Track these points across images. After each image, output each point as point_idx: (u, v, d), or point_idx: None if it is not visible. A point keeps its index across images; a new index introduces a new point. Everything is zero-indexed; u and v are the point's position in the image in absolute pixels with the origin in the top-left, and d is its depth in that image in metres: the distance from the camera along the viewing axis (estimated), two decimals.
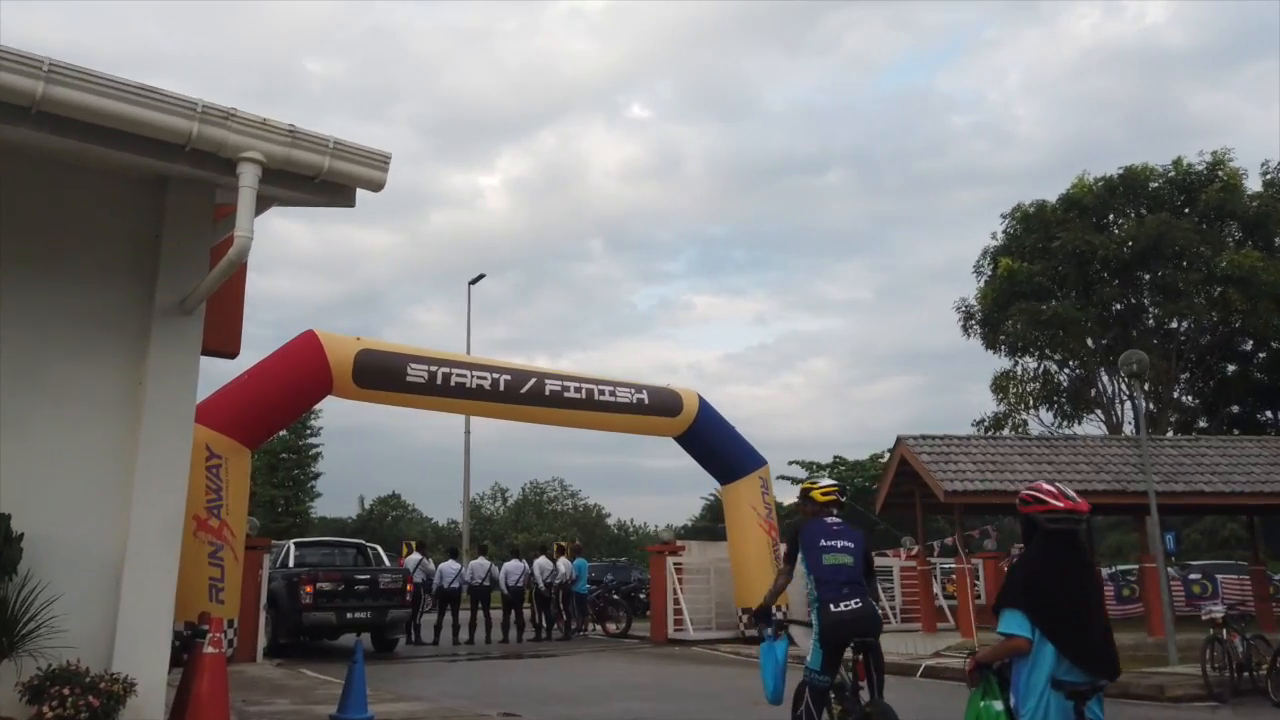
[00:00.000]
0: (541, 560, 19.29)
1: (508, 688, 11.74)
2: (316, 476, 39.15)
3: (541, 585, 18.85)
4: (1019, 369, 24.98)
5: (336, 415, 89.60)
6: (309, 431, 38.65)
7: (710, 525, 71.43)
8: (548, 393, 15.63)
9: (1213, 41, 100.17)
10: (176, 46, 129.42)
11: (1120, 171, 22.58)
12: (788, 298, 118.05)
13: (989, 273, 24.84)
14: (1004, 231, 24.63)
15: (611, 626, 19.83)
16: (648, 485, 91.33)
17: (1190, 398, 25.31)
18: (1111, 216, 22.90)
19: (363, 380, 13.80)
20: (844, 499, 5.64)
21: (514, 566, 18.93)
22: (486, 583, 18.80)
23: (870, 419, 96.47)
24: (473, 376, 14.88)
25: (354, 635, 16.21)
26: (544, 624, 18.96)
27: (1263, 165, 23.48)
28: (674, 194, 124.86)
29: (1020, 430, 24.13)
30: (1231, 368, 24.94)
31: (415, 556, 18.59)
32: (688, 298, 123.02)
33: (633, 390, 16.77)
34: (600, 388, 16.34)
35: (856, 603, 5.11)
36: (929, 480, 15.29)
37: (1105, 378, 24.02)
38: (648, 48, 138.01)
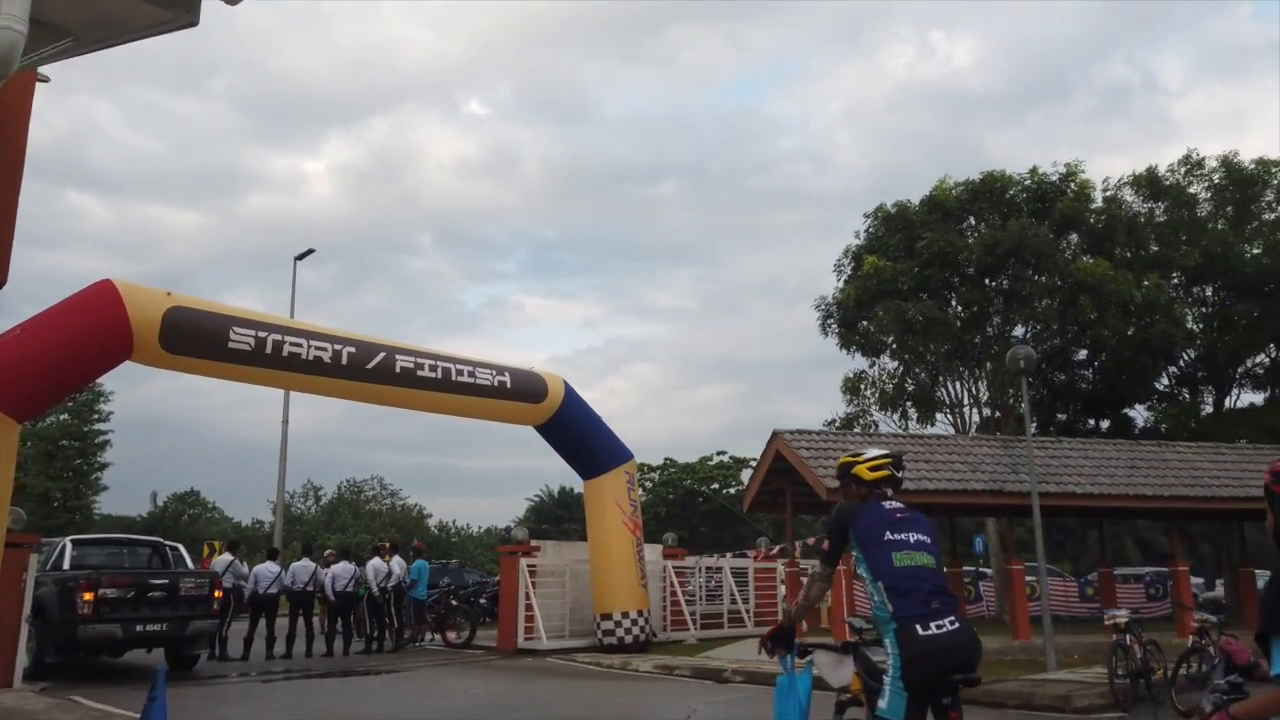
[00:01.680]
0: (375, 562, 17.14)
1: (346, 715, 9.76)
2: (103, 468, 34.49)
3: (375, 590, 16.71)
4: (876, 369, 25.00)
5: (128, 405, 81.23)
6: (95, 415, 34.00)
7: (536, 526, 69.70)
8: (398, 369, 13.63)
9: (1008, 88, 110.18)
10: None
11: (981, 176, 22.98)
12: (616, 303, 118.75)
13: (849, 271, 24.73)
14: (866, 231, 24.61)
15: (453, 635, 17.88)
16: (468, 486, 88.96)
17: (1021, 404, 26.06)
18: (972, 220, 23.25)
19: (172, 343, 11.36)
20: (901, 473, 4.14)
21: (343, 569, 16.69)
22: (310, 587, 16.46)
23: (691, 425, 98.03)
24: (310, 347, 12.69)
25: (146, 653, 13.64)
26: (376, 634, 16.80)
27: (1104, 181, 24.59)
28: (508, 193, 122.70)
29: (871, 431, 24.01)
30: (1061, 376, 25.86)
31: (225, 557, 16.01)
32: (518, 298, 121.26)
33: (494, 372, 15.02)
34: (459, 367, 14.49)
35: (953, 622, 3.58)
36: (809, 477, 14.41)
37: (951, 383, 24.32)
38: (487, 44, 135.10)
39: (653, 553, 18.20)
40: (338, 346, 13.00)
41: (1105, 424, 26.73)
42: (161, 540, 14.85)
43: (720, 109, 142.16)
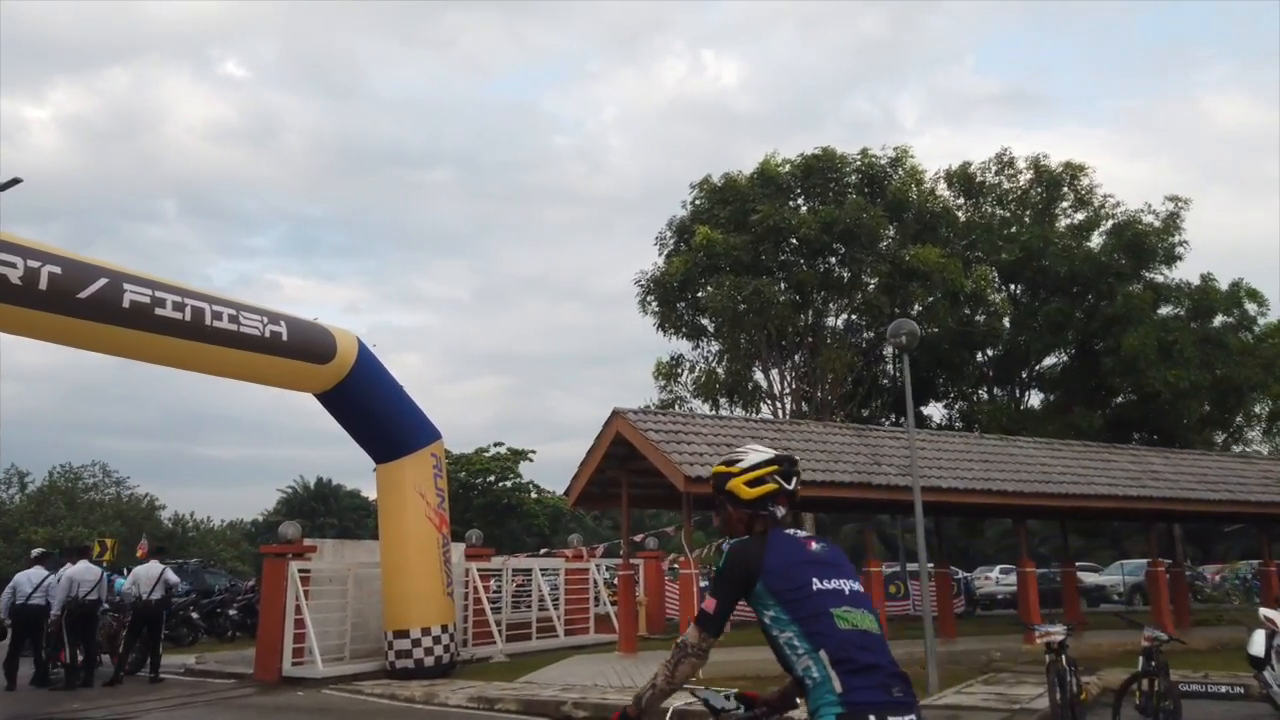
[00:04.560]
0: (82, 566, 12.90)
1: None
2: None
3: (59, 604, 12.40)
4: (700, 352, 23.16)
5: None
6: None
7: (287, 519, 63.26)
8: (127, 304, 9.86)
9: (770, 112, 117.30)
10: None
11: (816, 151, 21.77)
12: (383, 289, 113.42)
13: (672, 245, 22.77)
14: (692, 203, 22.74)
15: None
16: (206, 476, 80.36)
17: (831, 397, 25.25)
18: (803, 199, 21.98)
19: None
20: (794, 484, 2.86)
21: (29, 576, 12.52)
22: None
23: (457, 418, 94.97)
24: None
25: None
26: (78, 662, 12.52)
27: (936, 173, 24.26)
28: (267, 164, 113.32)
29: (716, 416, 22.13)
30: (866, 370, 25.30)
31: None
32: (274, 277, 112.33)
33: (265, 320, 11.48)
34: (216, 309, 10.86)
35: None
36: (662, 465, 12.05)
37: (766, 372, 22.97)
38: (251, 2, 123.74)
39: (454, 553, 15.22)
40: (34, 263, 9.10)
41: (902, 420, 26.56)
42: None
43: (497, 101, 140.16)
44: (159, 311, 10.16)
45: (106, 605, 12.85)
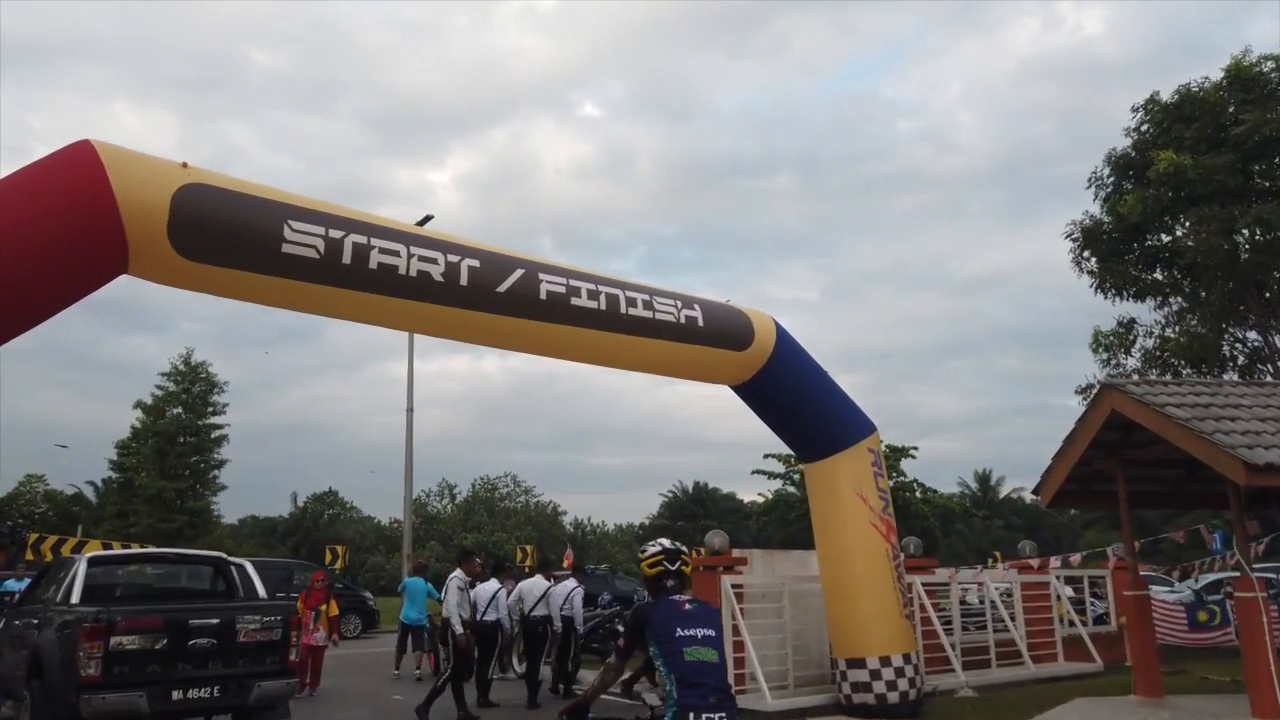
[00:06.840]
0: (532, 580, 12.81)
1: None
2: (220, 465, 31.53)
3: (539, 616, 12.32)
4: (1165, 312, 18.78)
5: (270, 411, 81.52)
6: (210, 409, 31.18)
7: (670, 524, 65.09)
8: (544, 295, 8.92)
9: (1147, 53, 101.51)
10: (108, 30, 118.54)
11: None
12: (737, 297, 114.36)
13: (1110, 187, 18.73)
14: (1136, 130, 18.54)
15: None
16: (594, 484, 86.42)
17: None
18: None
19: (190, 243, 6.96)
20: (684, 568, 4.50)
21: (486, 590, 12.41)
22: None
23: None
24: (411, 256, 8.11)
25: None
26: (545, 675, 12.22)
27: None
28: (623, 193, 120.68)
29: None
30: None
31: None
32: None
33: (679, 304, 10.14)
34: (629, 295, 9.68)
35: (723, 716, 4.04)
36: (1204, 451, 8.83)
37: (1265, 329, 17.97)
38: (599, 47, 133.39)
39: None
40: (454, 258, 8.38)
41: None
42: (222, 556, 10.52)
43: (832, 97, 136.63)
44: (575, 301, 9.15)
45: (558, 623, 12.50)
